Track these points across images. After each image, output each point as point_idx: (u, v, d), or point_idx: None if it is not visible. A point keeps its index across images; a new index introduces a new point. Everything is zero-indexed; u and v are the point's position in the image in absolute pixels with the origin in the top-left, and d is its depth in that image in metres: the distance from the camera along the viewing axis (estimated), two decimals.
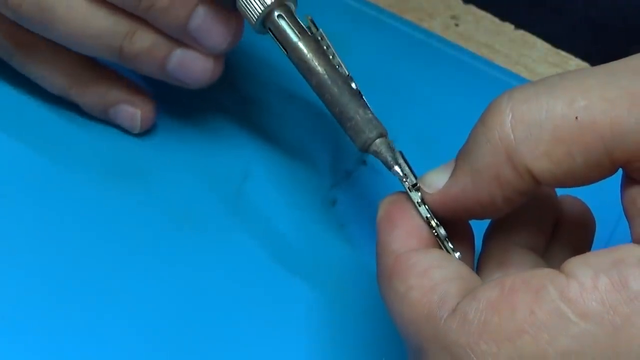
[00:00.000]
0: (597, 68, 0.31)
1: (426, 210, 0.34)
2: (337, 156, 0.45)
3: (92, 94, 0.43)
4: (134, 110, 0.43)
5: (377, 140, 0.36)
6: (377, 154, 0.36)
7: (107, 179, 0.43)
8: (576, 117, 0.30)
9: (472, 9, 0.52)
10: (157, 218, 0.42)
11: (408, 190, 0.34)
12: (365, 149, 0.36)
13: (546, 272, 0.29)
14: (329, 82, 0.36)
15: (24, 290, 0.39)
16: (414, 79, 0.48)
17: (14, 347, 0.38)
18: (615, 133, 0.30)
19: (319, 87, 0.37)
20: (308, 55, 0.37)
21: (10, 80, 0.44)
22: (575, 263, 0.29)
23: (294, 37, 0.37)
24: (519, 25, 0.51)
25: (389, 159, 0.35)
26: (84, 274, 0.40)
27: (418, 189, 0.34)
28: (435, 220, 0.34)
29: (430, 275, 0.31)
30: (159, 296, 0.40)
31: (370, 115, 0.36)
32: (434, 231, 0.34)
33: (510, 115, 0.31)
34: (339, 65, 0.37)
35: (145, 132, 0.44)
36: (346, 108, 0.36)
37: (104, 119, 0.44)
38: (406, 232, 0.33)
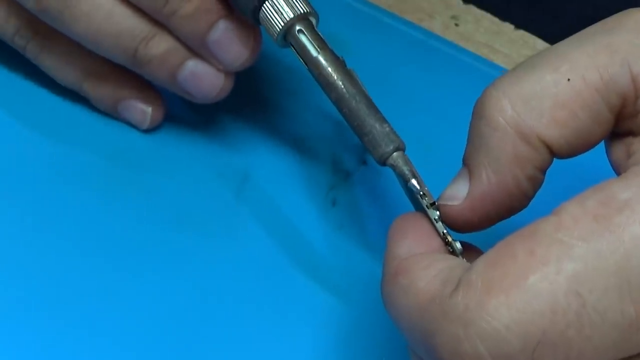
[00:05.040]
0: (567, 39, 0.33)
1: (443, 227, 0.34)
2: (337, 156, 0.45)
3: (106, 88, 0.43)
4: (145, 107, 0.44)
5: (394, 154, 0.36)
6: (394, 167, 0.36)
7: (106, 177, 0.43)
8: (568, 79, 0.31)
9: (472, 9, 0.52)
10: (156, 216, 0.42)
11: (426, 208, 0.34)
12: (383, 162, 0.36)
13: (536, 220, 0.29)
14: (347, 96, 0.37)
15: (23, 287, 0.39)
16: (413, 79, 0.48)
17: (13, 346, 0.38)
18: (605, 80, 0.31)
19: (337, 101, 0.37)
20: (327, 70, 0.38)
21: (17, 71, 0.45)
22: (561, 205, 0.29)
23: (313, 51, 0.38)
24: (519, 25, 0.51)
25: (406, 172, 0.36)
26: (82, 270, 0.40)
27: (437, 208, 0.34)
28: (452, 237, 0.34)
29: (435, 265, 0.31)
30: (156, 294, 0.40)
31: (387, 128, 0.37)
32: (449, 248, 0.34)
33: (506, 99, 0.32)
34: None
35: (147, 130, 0.44)
36: (364, 122, 0.37)
37: (111, 114, 0.44)
38: (414, 241, 0.33)
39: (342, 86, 0.37)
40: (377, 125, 0.37)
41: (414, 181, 0.35)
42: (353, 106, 0.37)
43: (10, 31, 0.43)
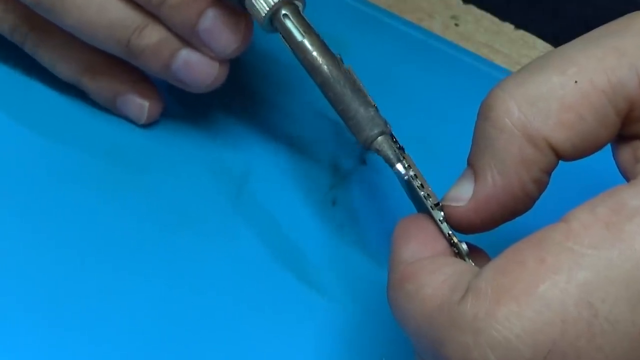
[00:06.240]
0: (573, 41, 0.32)
1: (448, 227, 0.34)
2: (337, 156, 0.45)
3: (104, 82, 0.44)
4: (142, 101, 0.44)
5: (379, 138, 0.36)
6: (378, 151, 0.36)
7: (104, 176, 0.43)
8: (575, 81, 0.31)
9: (472, 9, 0.52)
10: (154, 215, 0.42)
11: (430, 208, 0.34)
12: (367, 146, 0.36)
13: (545, 227, 0.29)
14: (332, 80, 0.37)
15: (20, 285, 0.39)
16: (413, 79, 0.48)
17: (11, 346, 0.38)
18: (613, 84, 0.31)
19: (322, 85, 0.37)
20: (312, 54, 0.37)
21: (14, 67, 0.45)
22: (570, 212, 0.29)
23: (298, 35, 0.38)
24: (519, 25, 0.51)
25: (391, 156, 0.36)
26: (79, 268, 0.40)
27: (441, 209, 0.34)
28: (457, 238, 0.34)
29: (442, 270, 0.31)
30: (154, 293, 0.40)
31: (372, 112, 0.36)
32: (455, 249, 0.34)
33: (513, 101, 0.32)
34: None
35: (146, 127, 0.44)
36: (349, 106, 0.36)
37: (109, 109, 0.44)
38: (419, 244, 0.33)
39: (327, 70, 0.37)
40: (361, 109, 0.36)
41: (399, 166, 0.35)
42: (338, 90, 0.37)
43: (8, 27, 0.43)
